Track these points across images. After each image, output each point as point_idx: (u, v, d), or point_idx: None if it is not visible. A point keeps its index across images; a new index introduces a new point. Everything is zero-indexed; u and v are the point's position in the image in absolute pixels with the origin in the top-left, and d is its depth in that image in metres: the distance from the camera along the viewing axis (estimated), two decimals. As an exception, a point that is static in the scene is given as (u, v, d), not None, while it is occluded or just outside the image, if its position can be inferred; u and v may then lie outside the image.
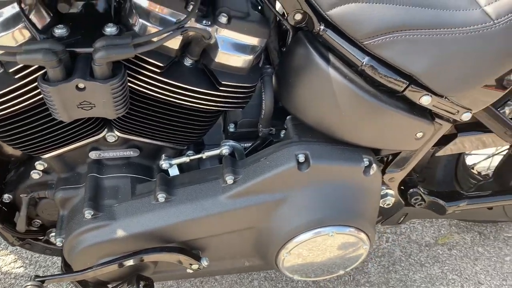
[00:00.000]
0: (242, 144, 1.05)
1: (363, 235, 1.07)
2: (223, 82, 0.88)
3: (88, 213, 0.94)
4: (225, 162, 0.99)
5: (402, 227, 1.65)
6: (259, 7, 0.96)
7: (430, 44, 0.82)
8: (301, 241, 1.02)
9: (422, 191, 1.22)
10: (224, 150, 1.02)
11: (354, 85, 0.89)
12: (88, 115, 0.83)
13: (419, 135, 0.97)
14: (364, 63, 0.87)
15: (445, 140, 1.09)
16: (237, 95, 0.93)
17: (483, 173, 1.60)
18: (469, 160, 1.60)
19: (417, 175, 1.28)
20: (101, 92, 0.77)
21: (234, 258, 1.13)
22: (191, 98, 0.89)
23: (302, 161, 0.94)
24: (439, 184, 1.40)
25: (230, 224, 1.00)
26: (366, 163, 0.97)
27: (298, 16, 0.87)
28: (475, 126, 1.10)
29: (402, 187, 1.21)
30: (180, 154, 1.07)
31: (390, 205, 1.16)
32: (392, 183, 1.14)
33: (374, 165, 0.97)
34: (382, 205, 1.14)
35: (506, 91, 0.93)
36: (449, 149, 1.13)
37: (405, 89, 0.90)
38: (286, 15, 0.88)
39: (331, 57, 0.88)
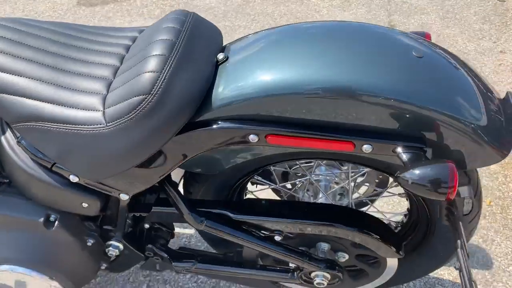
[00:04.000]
0: None
1: (54, 283, 1.16)
2: None
3: None
4: None
5: None
6: None
7: (57, 135, 0.92)
8: None
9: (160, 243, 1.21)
10: None
11: (16, 155, 1.02)
12: None
13: (85, 205, 1.05)
14: (18, 139, 0.99)
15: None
16: None
17: None
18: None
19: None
20: None
21: None
22: None
23: None
24: None
25: None
26: (52, 218, 1.07)
27: None
28: None
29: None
30: None
31: (117, 255, 1.19)
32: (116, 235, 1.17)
33: (57, 221, 1.07)
34: (111, 255, 1.19)
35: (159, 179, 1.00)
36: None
37: (51, 166, 1.00)
38: None
39: (6, 126, 1.03)
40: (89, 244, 1.15)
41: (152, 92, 0.86)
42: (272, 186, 1.27)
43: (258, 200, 1.21)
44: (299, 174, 1.29)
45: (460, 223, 0.90)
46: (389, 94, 0.85)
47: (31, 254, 1.12)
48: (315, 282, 1.16)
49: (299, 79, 0.86)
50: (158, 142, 0.90)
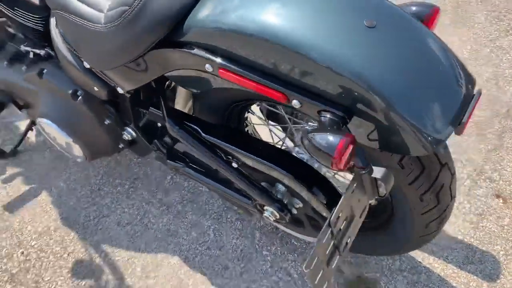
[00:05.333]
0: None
1: (76, 146, 1.47)
2: None
3: None
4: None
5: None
6: None
7: (73, 26, 1.12)
8: (41, 120, 1.47)
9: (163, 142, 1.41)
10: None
11: (56, 36, 1.26)
12: None
13: (96, 89, 1.28)
14: (56, 23, 1.26)
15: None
16: None
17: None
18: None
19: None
20: None
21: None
22: None
23: (43, 73, 1.38)
24: None
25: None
26: (79, 93, 1.34)
27: None
28: None
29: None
30: None
31: (132, 140, 1.44)
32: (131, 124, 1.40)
33: (81, 97, 1.34)
34: (125, 139, 1.44)
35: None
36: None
37: (74, 50, 1.23)
38: None
39: None
40: (106, 123, 1.41)
41: (132, 6, 1.01)
42: (260, 124, 1.35)
43: (227, 128, 1.31)
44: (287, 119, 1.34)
45: (342, 199, 0.89)
46: (325, 60, 0.84)
47: (62, 117, 1.43)
48: (263, 214, 1.27)
49: (259, 25, 0.89)
50: (135, 50, 1.06)
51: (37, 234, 1.63)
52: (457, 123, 0.86)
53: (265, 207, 1.26)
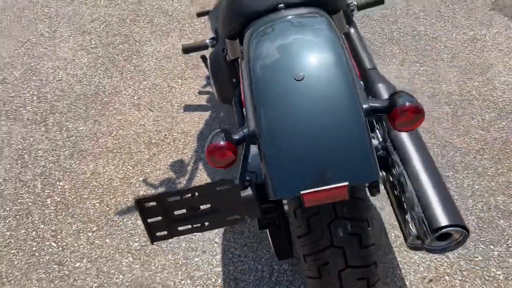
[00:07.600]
0: None
1: (213, 87, 1.91)
2: None
3: None
4: None
5: None
6: None
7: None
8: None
9: None
10: None
11: None
12: None
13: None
14: None
15: None
16: None
17: None
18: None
19: None
20: None
21: None
22: None
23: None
24: None
25: None
26: (212, 43, 1.84)
27: None
28: None
29: None
30: None
31: None
32: None
33: (211, 47, 1.81)
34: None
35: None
36: None
37: None
38: None
39: None
40: (233, 80, 1.85)
41: None
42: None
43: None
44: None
45: (203, 184, 1.04)
46: (258, 100, 1.04)
47: (213, 62, 1.91)
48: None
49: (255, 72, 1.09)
50: (223, 30, 1.44)
51: (181, 132, 2.28)
52: (298, 191, 0.91)
53: None
